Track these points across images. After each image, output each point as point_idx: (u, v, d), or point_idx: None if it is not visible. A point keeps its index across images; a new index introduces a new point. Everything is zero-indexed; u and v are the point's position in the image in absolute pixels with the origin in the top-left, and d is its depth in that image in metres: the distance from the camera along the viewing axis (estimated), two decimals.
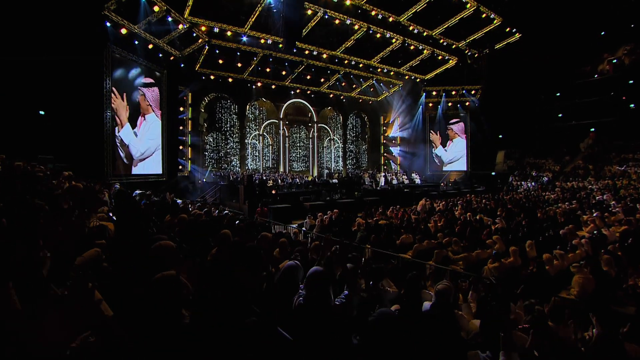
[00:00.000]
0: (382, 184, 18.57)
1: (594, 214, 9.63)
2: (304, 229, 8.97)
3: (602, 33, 24.05)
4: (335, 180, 17.93)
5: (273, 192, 16.08)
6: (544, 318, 2.44)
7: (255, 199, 12.82)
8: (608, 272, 5.11)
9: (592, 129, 24.78)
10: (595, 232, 7.14)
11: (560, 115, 26.28)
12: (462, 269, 5.50)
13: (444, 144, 25.62)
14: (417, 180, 21.57)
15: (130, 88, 14.26)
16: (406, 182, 20.63)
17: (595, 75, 25.02)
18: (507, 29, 19.59)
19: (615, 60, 24.41)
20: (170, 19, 12.98)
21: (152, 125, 15.56)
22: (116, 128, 13.86)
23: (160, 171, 16.03)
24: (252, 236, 4.05)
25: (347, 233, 7.98)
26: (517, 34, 20.17)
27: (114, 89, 13.25)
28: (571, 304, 3.50)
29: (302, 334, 1.83)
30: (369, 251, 6.76)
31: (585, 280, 4.75)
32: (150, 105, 15.32)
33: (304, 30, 16.67)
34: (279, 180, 17.16)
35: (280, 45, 16.67)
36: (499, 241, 6.13)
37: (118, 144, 13.87)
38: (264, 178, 16.85)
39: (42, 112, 14.56)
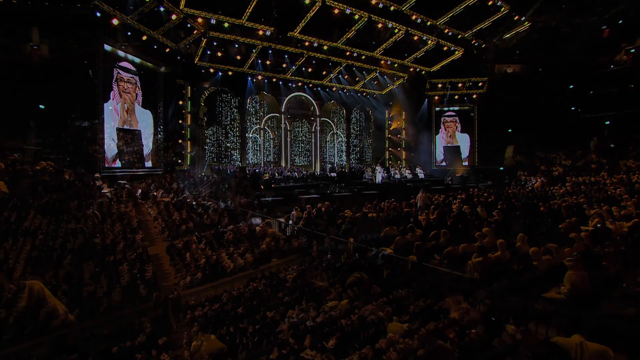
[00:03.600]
0: (380, 179, 18.00)
1: (603, 207, 9.03)
2: (290, 221, 8.65)
3: (620, 22, 22.84)
4: (334, 174, 17.51)
5: (273, 185, 15.78)
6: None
7: (246, 192, 12.55)
8: (607, 267, 4.62)
9: (608, 122, 23.60)
10: (599, 225, 6.58)
11: (573, 108, 25.13)
12: (445, 263, 5.10)
13: (448, 137, 24.94)
14: (421, 175, 20.98)
15: (123, 80, 14.04)
16: (409, 176, 20.07)
17: (612, 66, 23.78)
18: (516, 17, 18.75)
19: (633, 50, 23.14)
20: (162, 9, 12.75)
21: (143, 117, 15.24)
22: (116, 122, 13.75)
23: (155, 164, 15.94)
24: None
25: (332, 225, 7.64)
26: (527, 22, 19.29)
27: (114, 86, 13.11)
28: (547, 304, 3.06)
29: None
30: (352, 244, 6.41)
31: (578, 277, 4.27)
32: (137, 94, 14.93)
33: (302, 21, 16.27)
34: (276, 174, 16.86)
35: (270, 33, 16.28)
36: (490, 234, 5.66)
37: (114, 139, 13.71)
38: (258, 171, 16.57)
39: (42, 107, 14.65)
